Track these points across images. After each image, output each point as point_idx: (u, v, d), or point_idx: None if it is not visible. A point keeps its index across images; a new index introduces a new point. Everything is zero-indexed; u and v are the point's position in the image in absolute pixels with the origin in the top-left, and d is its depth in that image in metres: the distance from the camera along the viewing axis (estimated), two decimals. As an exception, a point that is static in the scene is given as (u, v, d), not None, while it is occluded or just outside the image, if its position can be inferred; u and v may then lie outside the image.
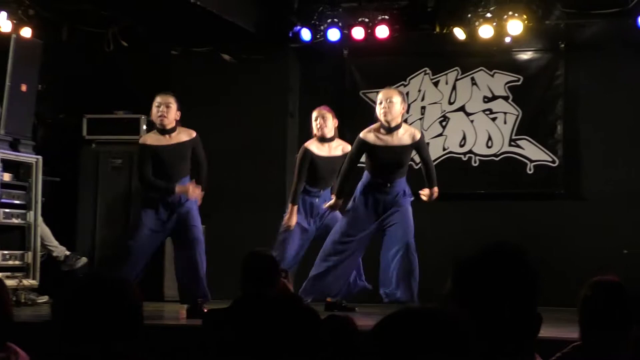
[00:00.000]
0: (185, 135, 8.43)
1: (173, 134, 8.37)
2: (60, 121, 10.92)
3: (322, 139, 8.75)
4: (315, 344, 3.98)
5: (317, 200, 8.80)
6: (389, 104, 8.21)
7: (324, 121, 8.75)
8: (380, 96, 8.32)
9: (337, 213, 8.68)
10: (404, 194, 8.38)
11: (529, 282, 2.31)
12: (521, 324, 2.28)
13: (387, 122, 8.22)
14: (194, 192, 8.33)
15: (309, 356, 4.03)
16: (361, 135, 8.34)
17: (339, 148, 8.79)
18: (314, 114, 8.80)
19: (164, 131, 8.36)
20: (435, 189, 8.39)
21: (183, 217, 8.34)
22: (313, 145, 8.75)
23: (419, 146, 8.36)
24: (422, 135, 8.47)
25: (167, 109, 8.37)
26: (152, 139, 8.40)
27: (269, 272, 5.01)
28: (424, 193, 8.42)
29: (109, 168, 10.52)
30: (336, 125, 8.82)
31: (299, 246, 8.78)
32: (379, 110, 8.25)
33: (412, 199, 8.42)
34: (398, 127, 8.25)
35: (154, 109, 8.41)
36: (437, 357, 1.69)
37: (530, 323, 2.30)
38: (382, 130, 8.27)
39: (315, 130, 8.76)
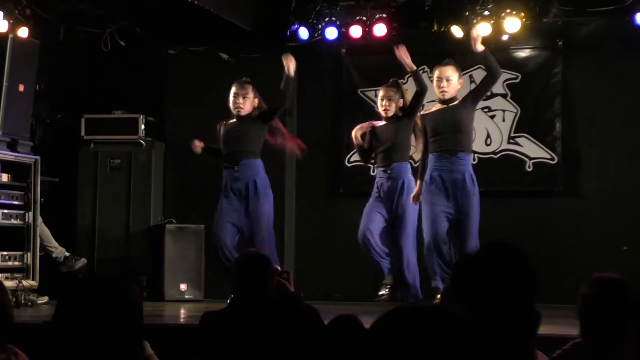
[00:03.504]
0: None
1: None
2: (58, 121, 10.91)
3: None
4: (316, 342, 3.99)
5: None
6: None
7: (390, 102, 8.79)
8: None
9: None
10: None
11: (528, 280, 2.32)
12: (520, 321, 2.28)
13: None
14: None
15: (310, 355, 4.04)
16: None
17: None
18: (381, 93, 8.86)
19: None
20: None
21: None
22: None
23: None
24: None
25: (243, 99, 8.62)
26: None
27: (263, 273, 5.00)
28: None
29: (108, 168, 10.52)
30: (400, 105, 8.85)
31: None
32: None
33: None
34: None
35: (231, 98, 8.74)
36: (441, 356, 1.68)
37: (529, 320, 2.30)
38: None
39: (380, 111, 8.84)
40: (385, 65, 10.41)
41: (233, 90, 8.74)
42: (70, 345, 2.71)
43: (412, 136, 8.84)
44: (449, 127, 8.38)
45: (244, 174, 8.58)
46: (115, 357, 2.71)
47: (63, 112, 10.89)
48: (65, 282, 9.02)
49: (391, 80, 8.91)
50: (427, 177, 8.41)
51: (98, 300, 2.74)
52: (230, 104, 8.71)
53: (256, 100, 8.75)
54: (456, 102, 8.52)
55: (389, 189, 8.61)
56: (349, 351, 3.34)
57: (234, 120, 8.75)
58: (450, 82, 8.48)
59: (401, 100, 8.81)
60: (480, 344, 1.73)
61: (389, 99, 8.76)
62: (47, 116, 10.75)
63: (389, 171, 8.67)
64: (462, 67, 10.34)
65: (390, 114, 8.76)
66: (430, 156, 8.47)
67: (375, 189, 8.76)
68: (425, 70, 10.46)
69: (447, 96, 8.48)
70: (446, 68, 8.53)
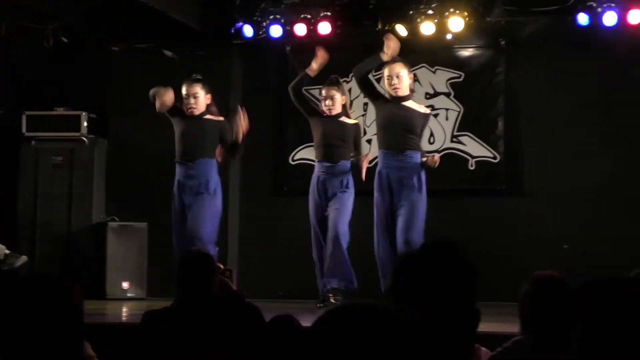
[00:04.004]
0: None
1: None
2: (-2, 118, 10.78)
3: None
4: (258, 338, 3.97)
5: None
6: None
7: (332, 101, 8.77)
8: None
9: None
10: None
11: (468, 278, 2.32)
12: (460, 319, 2.28)
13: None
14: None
15: (252, 353, 4.02)
16: None
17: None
18: (323, 93, 8.87)
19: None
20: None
21: None
22: None
23: None
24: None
25: (195, 99, 8.54)
26: None
27: (206, 272, 4.98)
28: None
29: (50, 165, 10.41)
30: (343, 102, 8.88)
31: None
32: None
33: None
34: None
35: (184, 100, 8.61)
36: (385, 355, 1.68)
37: (470, 318, 2.31)
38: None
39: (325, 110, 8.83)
40: (330, 64, 10.41)
41: (183, 91, 8.66)
42: (9, 345, 2.68)
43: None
44: (399, 126, 8.39)
45: (199, 172, 8.52)
46: (54, 357, 2.68)
47: (4, 108, 10.76)
48: (4, 280, 8.91)
49: (331, 77, 8.89)
50: (376, 172, 8.45)
51: (37, 299, 2.70)
52: (183, 106, 8.64)
53: (208, 96, 8.68)
54: (409, 102, 8.50)
55: (332, 185, 8.63)
56: (287, 352, 3.33)
57: (191, 117, 8.66)
58: (400, 78, 8.46)
59: (344, 97, 8.84)
60: (432, 342, 1.72)
61: (332, 99, 8.77)
62: (-13, 113, 10.62)
63: (335, 168, 8.67)
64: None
65: (334, 112, 8.77)
66: (379, 152, 8.51)
67: (315, 184, 8.74)
68: (370, 68, 10.48)
69: (400, 93, 8.45)
70: (395, 65, 8.52)
